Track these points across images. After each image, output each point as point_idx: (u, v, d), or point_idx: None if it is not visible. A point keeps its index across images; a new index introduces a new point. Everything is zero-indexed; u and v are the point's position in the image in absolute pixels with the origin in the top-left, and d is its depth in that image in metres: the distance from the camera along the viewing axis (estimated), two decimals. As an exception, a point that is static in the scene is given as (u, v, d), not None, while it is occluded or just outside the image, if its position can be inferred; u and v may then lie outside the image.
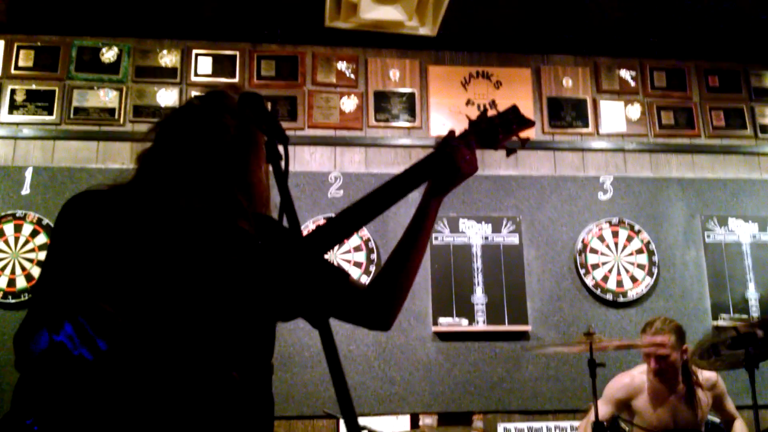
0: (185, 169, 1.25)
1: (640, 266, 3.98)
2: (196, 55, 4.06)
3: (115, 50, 4.04)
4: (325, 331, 0.96)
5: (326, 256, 1.44)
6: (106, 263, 1.13)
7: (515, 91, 4.22)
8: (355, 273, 3.79)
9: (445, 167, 1.36)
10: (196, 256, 1.18)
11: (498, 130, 1.42)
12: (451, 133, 1.41)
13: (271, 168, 1.14)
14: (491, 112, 1.43)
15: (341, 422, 3.51)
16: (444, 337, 3.78)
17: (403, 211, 3.91)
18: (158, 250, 1.16)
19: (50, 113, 3.90)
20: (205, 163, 1.25)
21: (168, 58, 4.05)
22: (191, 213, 1.23)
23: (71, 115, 3.92)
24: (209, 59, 4.06)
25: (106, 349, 1.00)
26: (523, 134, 1.46)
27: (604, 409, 2.98)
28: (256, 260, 1.23)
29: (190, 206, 1.24)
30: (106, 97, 3.97)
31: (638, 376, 3.09)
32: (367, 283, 1.42)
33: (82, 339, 0.99)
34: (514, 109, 1.44)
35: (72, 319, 1.00)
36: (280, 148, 1.13)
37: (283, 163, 1.11)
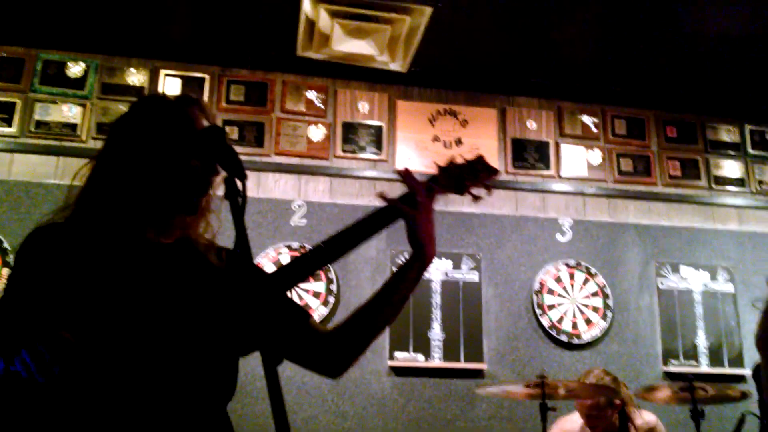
0: (147, 198, 1.24)
1: (595, 309, 4.04)
2: (165, 75, 4.03)
3: (81, 65, 3.99)
4: (272, 371, 0.95)
5: (289, 294, 1.43)
6: (67, 295, 1.12)
7: (481, 131, 4.29)
8: (313, 303, 3.76)
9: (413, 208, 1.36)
10: (161, 290, 1.18)
11: (465, 177, 1.45)
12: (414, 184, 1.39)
13: (228, 204, 1.13)
14: (459, 160, 1.47)
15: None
16: (399, 372, 3.76)
17: (365, 244, 3.91)
18: (121, 284, 1.15)
19: (10, 125, 3.82)
20: (167, 196, 1.24)
21: (135, 77, 4.01)
22: (160, 248, 1.23)
23: (32, 129, 3.84)
24: (178, 81, 4.04)
25: (58, 373, 1.00)
26: (488, 182, 1.50)
27: None
28: (223, 294, 1.23)
29: (157, 241, 1.24)
30: (69, 112, 3.91)
31: (577, 421, 3.12)
32: (330, 329, 1.40)
33: (37, 366, 0.99)
34: (480, 159, 1.48)
35: (29, 346, 1.00)
36: (239, 184, 1.13)
37: (240, 200, 1.11)
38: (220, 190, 1.22)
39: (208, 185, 1.27)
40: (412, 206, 1.35)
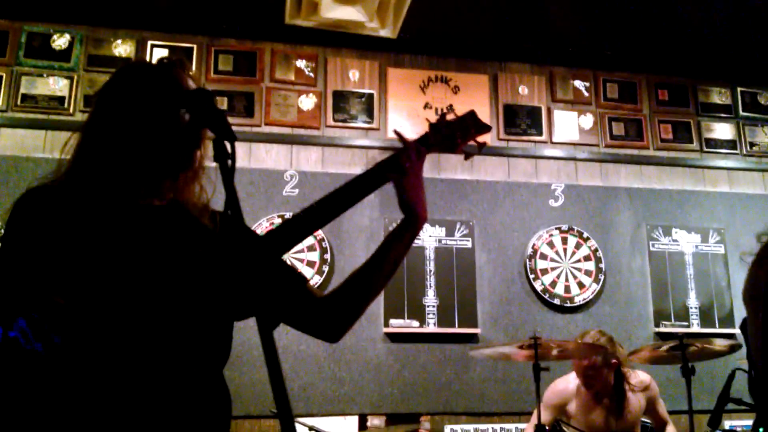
0: (139, 159, 1.23)
1: (588, 273, 4.08)
2: (152, 46, 3.98)
3: (67, 37, 3.93)
4: (267, 335, 0.95)
5: (283, 257, 1.43)
6: (62, 259, 1.11)
7: (472, 97, 4.27)
8: (308, 272, 3.77)
9: (400, 167, 1.36)
10: (156, 253, 1.18)
11: (457, 134, 1.44)
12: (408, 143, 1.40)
13: (218, 166, 1.12)
14: (450, 117, 1.45)
15: (289, 422, 3.49)
16: (395, 338, 3.80)
17: (359, 212, 3.92)
18: (116, 247, 1.15)
19: (-4, 99, 3.77)
20: (160, 154, 1.23)
21: (122, 48, 3.96)
22: (153, 211, 1.23)
23: (18, 102, 3.79)
24: (165, 51, 3.99)
25: (59, 343, 1.00)
26: (480, 139, 1.48)
27: (546, 413, 3.05)
28: (218, 257, 1.23)
29: (150, 203, 1.23)
30: (55, 85, 3.86)
31: (573, 381, 3.17)
32: (326, 293, 1.40)
33: (35, 334, 0.99)
34: (472, 114, 1.47)
35: (25, 314, 1.00)
36: (228, 146, 1.12)
37: (230, 162, 1.10)
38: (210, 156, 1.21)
39: (199, 138, 1.26)
40: (400, 170, 1.35)
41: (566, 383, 3.18)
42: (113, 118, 1.24)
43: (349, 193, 1.35)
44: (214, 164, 1.09)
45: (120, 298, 1.11)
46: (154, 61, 1.34)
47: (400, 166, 1.35)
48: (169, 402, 1.11)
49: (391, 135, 4.10)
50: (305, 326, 1.39)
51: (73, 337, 1.04)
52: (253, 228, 3.65)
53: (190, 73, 1.31)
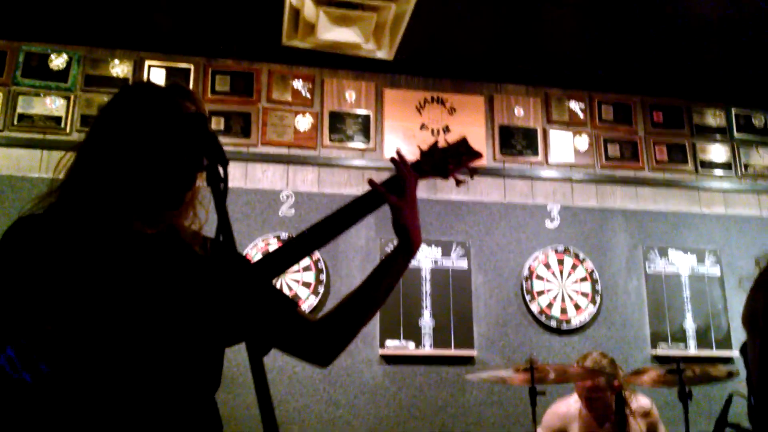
0: (132, 184, 1.22)
1: (584, 294, 4.07)
2: (149, 66, 4.00)
3: (64, 57, 3.94)
4: (257, 361, 0.95)
5: (275, 281, 1.43)
6: (51, 287, 1.11)
7: (468, 118, 4.29)
8: (303, 293, 3.76)
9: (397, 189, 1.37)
10: (146, 281, 1.17)
11: (449, 160, 1.45)
12: (403, 162, 1.41)
13: (210, 190, 1.11)
14: (442, 144, 1.46)
15: (283, 445, 3.45)
16: (390, 360, 3.77)
17: (355, 232, 3.92)
18: (106, 275, 1.14)
19: (-8, 119, 3.77)
20: (154, 185, 1.23)
21: (119, 68, 3.97)
22: (144, 238, 1.22)
23: (15, 122, 3.79)
24: (162, 71, 4.00)
25: (47, 372, 0.99)
26: (472, 165, 1.49)
27: None
28: (209, 284, 1.22)
29: (142, 231, 1.23)
30: (52, 105, 3.87)
31: (573, 405, 3.14)
32: (318, 318, 1.40)
33: (23, 363, 0.98)
34: (463, 141, 1.48)
35: (14, 342, 0.99)
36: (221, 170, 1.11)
37: (222, 186, 1.09)
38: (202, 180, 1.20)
39: (193, 179, 1.25)
40: (398, 194, 1.35)
41: (567, 406, 3.15)
42: (109, 145, 1.23)
43: (343, 218, 1.35)
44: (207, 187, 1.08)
45: (109, 327, 1.10)
46: (159, 83, 1.34)
47: (399, 189, 1.36)
48: (160, 430, 1.10)
49: (388, 155, 4.11)
50: (296, 351, 1.39)
51: (62, 366, 1.03)
52: (248, 248, 3.67)
53: (199, 101, 1.30)
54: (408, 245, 1.36)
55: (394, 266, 1.37)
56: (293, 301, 1.41)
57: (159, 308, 1.16)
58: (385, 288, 1.37)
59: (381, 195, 1.36)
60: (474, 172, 1.50)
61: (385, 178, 1.39)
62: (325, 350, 1.39)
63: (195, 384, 1.19)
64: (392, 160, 1.42)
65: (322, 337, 1.37)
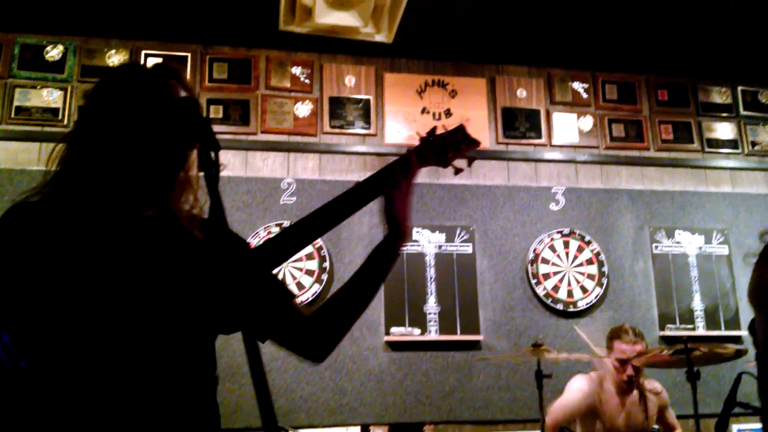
0: (126, 169, 1.20)
1: (590, 276, 4.02)
2: (146, 55, 3.95)
3: (60, 48, 3.90)
4: (253, 349, 0.95)
5: (275, 271, 1.40)
6: (45, 274, 1.09)
7: (470, 101, 4.23)
8: (307, 281, 3.73)
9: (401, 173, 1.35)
10: (142, 264, 1.15)
11: (448, 148, 1.43)
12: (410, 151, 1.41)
13: (203, 176, 1.10)
14: (440, 131, 1.45)
15: (290, 434, 3.45)
16: (396, 346, 3.75)
17: (358, 219, 3.88)
18: (101, 259, 1.12)
19: (-11, 112, 3.74)
20: (148, 163, 1.20)
21: (116, 58, 3.93)
22: (142, 222, 1.20)
23: (12, 115, 3.76)
24: (159, 60, 3.95)
25: (42, 359, 1.00)
26: (470, 153, 1.47)
27: (564, 418, 3.05)
28: (207, 269, 1.20)
29: (138, 214, 1.21)
30: (49, 96, 3.83)
31: (596, 380, 3.16)
32: (311, 313, 1.37)
33: (19, 349, 0.99)
34: (461, 129, 1.46)
35: (9, 328, 0.99)
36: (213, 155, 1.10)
37: (214, 170, 1.08)
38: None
39: (184, 159, 1.24)
40: (398, 181, 1.34)
41: (589, 381, 3.19)
42: (99, 126, 1.21)
43: (343, 205, 1.33)
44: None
45: (103, 311, 1.09)
46: (148, 65, 1.32)
47: (395, 178, 1.34)
48: (155, 417, 1.09)
49: (389, 140, 4.06)
50: (290, 344, 1.37)
51: (57, 353, 1.02)
52: (250, 238, 3.64)
53: (185, 80, 1.28)
54: (399, 235, 1.35)
55: (386, 256, 1.36)
56: (290, 293, 1.39)
57: (153, 292, 1.14)
58: (376, 279, 1.36)
59: (384, 181, 1.34)
60: (472, 160, 1.49)
61: (387, 164, 1.37)
62: (319, 345, 1.37)
63: (190, 371, 1.18)
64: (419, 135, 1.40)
65: (316, 331, 1.36)
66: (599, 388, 3.15)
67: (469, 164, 1.47)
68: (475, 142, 1.45)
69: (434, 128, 1.45)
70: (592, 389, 3.15)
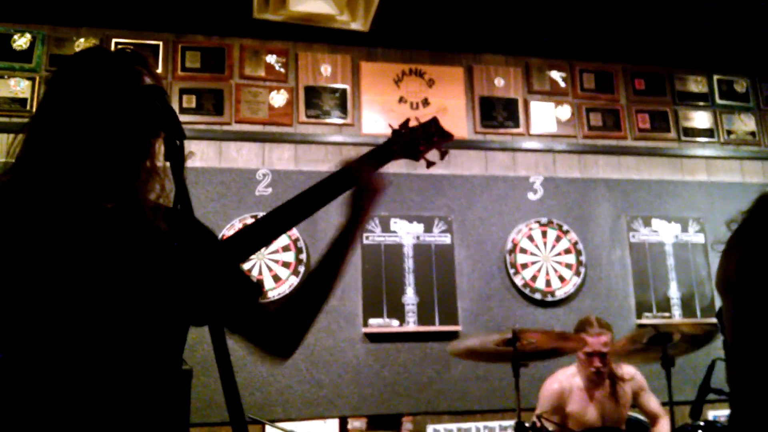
0: (86, 159, 1.16)
1: (568, 266, 4.03)
2: (116, 44, 3.86)
3: (27, 37, 3.80)
4: (220, 341, 0.93)
5: (249, 262, 1.39)
6: (5, 265, 1.07)
7: (448, 90, 4.20)
8: (283, 273, 3.69)
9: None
10: (104, 256, 1.13)
11: (420, 141, 1.43)
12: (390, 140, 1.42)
13: (169, 166, 1.07)
14: (413, 123, 1.45)
15: (267, 428, 3.42)
16: (374, 338, 3.72)
17: (334, 210, 3.83)
18: (62, 251, 1.10)
19: (-46, 103, 3.64)
20: (110, 153, 1.17)
21: (85, 47, 3.83)
22: (102, 214, 1.18)
23: (-22, 106, 3.67)
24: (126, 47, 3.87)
25: (5, 351, 0.99)
26: (443, 146, 1.49)
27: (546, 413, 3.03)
28: (173, 261, 1.18)
29: (100, 205, 1.18)
30: (17, 86, 3.74)
31: (565, 379, 3.14)
32: (274, 310, 1.36)
33: None
34: (434, 121, 1.47)
35: None
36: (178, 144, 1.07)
37: (179, 160, 1.06)
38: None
39: (147, 148, 1.21)
40: (362, 175, 1.36)
41: (559, 382, 3.17)
42: (60, 114, 1.17)
43: (317, 195, 1.34)
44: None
45: (66, 304, 1.07)
46: (111, 50, 1.28)
47: (366, 169, 1.36)
48: (120, 407, 1.08)
49: (366, 130, 4.02)
50: (255, 339, 1.35)
51: (19, 345, 1.01)
52: (225, 229, 3.59)
53: (152, 67, 1.25)
54: (358, 222, 1.37)
55: (343, 247, 1.36)
56: (258, 288, 1.37)
57: (117, 283, 1.12)
58: (334, 271, 1.36)
59: (358, 172, 1.35)
60: (445, 153, 1.49)
61: (360, 155, 1.38)
62: (283, 341, 1.35)
63: (150, 362, 1.16)
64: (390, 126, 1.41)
65: (279, 327, 1.34)
66: (569, 384, 3.14)
67: (442, 157, 1.48)
68: (448, 135, 1.45)
69: (407, 120, 1.45)
70: (556, 390, 3.14)
